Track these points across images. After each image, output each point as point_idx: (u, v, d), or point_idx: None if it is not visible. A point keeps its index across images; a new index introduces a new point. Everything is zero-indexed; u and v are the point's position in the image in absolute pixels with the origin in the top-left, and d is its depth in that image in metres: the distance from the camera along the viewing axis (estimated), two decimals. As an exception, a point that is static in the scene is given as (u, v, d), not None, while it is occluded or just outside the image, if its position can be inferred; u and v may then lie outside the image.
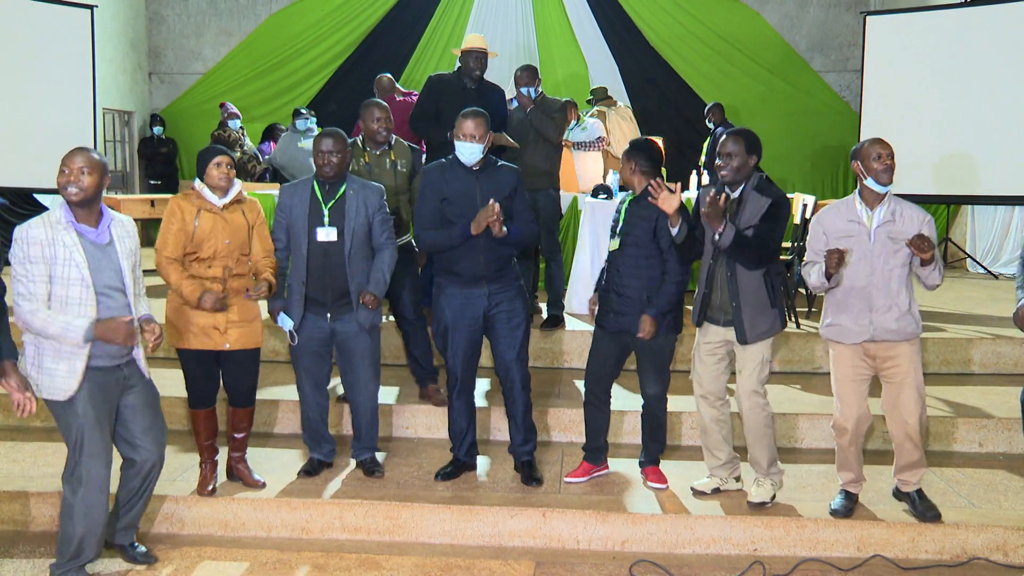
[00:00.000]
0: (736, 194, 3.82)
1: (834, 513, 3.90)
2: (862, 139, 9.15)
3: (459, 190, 4.01)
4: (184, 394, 4.08)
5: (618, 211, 4.14)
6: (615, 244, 4.05)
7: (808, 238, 3.92)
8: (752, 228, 3.76)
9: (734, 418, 4.13)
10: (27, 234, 3.18)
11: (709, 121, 9.47)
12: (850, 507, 3.92)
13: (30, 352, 3.28)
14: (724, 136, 3.87)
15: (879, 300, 3.71)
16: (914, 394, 3.75)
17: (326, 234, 4.03)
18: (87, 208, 3.25)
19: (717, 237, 3.72)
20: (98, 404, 3.28)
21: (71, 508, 3.31)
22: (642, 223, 3.96)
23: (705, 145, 9.48)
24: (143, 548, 3.71)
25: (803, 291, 6.65)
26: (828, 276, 3.69)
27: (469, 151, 4.00)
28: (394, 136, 4.83)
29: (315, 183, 4.11)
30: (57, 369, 3.22)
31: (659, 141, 7.88)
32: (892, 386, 3.80)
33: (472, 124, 3.97)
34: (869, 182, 3.71)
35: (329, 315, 4.10)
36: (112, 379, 3.35)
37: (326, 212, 4.06)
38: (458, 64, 5.51)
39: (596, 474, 4.30)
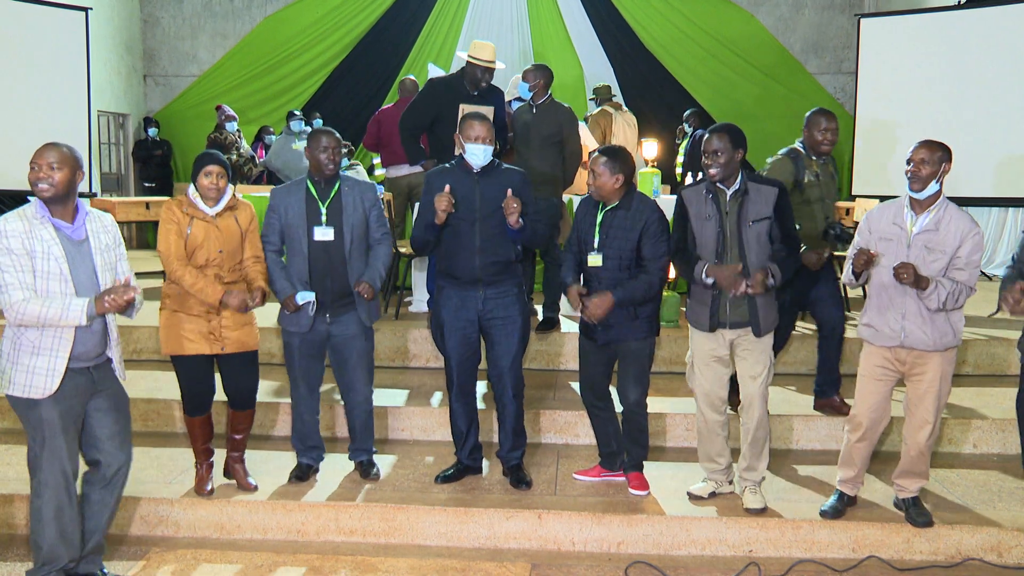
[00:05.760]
0: (733, 188, 3.78)
1: (823, 514, 3.89)
2: (856, 141, 9.31)
3: (460, 193, 4.00)
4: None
5: (589, 223, 3.99)
6: (598, 260, 3.94)
7: (857, 232, 3.87)
8: (767, 220, 3.74)
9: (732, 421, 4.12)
10: (4, 227, 3.11)
11: (688, 125, 9.49)
12: (840, 509, 3.91)
13: (6, 347, 3.20)
14: (707, 134, 3.80)
15: (912, 308, 3.66)
16: (933, 406, 3.74)
17: (323, 233, 4.02)
18: (61, 204, 3.19)
19: (772, 282, 3.72)
20: (64, 405, 3.21)
21: (39, 511, 3.24)
22: (623, 235, 3.90)
23: (682, 148, 9.50)
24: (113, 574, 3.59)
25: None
26: (856, 275, 3.71)
27: (479, 153, 4.01)
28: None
29: (308, 183, 4.09)
30: (36, 366, 3.15)
31: (655, 144, 7.92)
32: (915, 392, 3.79)
33: (480, 127, 3.98)
34: (905, 186, 3.70)
35: (328, 315, 4.09)
36: (81, 381, 3.27)
37: (323, 211, 4.04)
38: (460, 68, 5.54)
39: (607, 478, 4.28)
